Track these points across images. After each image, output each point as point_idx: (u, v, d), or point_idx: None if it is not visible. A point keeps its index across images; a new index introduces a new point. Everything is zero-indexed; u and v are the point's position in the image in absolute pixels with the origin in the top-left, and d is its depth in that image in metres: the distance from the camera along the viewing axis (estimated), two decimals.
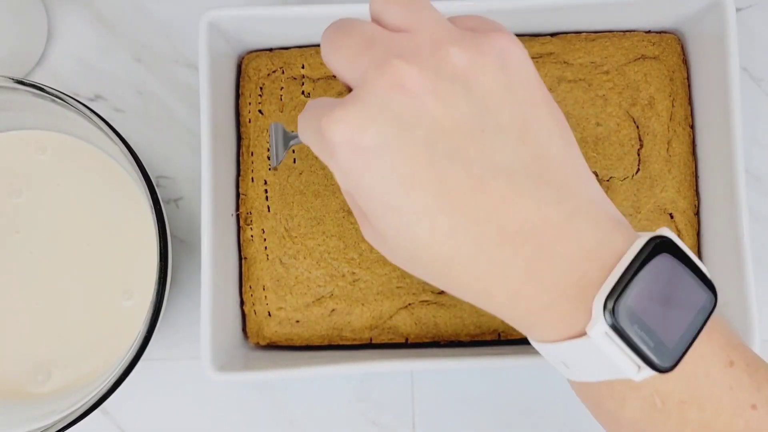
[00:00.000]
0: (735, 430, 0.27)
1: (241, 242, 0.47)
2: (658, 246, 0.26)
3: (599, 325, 0.25)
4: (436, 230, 0.26)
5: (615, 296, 0.25)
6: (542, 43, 0.46)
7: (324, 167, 0.46)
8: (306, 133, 0.29)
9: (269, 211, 0.46)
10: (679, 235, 0.46)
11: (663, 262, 0.26)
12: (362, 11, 0.43)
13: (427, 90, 0.25)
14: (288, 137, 0.38)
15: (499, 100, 0.26)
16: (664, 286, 0.26)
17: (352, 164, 0.26)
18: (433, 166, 0.26)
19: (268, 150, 0.43)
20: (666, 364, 0.26)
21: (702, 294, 0.27)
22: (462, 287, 0.28)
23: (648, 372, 0.26)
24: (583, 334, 0.26)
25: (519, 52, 0.27)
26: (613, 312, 0.25)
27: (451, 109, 0.26)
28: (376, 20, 0.28)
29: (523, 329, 0.29)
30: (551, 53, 0.46)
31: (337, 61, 0.28)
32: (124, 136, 0.41)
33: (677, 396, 0.27)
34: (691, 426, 0.28)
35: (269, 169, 0.44)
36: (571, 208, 0.27)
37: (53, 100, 0.41)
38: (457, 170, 0.26)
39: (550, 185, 0.26)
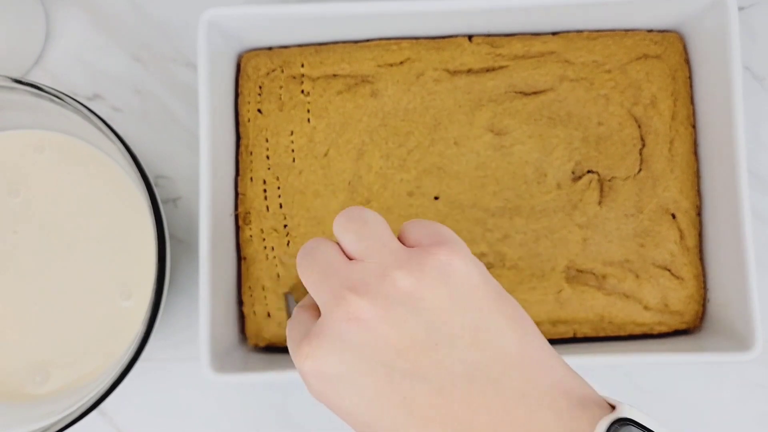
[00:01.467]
0: None
1: (240, 242, 0.47)
2: (621, 427, 0.27)
3: None
4: None
5: None
6: (544, 42, 0.46)
7: (324, 167, 0.46)
8: (290, 349, 0.31)
9: (268, 210, 0.46)
10: (681, 235, 0.45)
11: None
12: (361, 11, 0.43)
13: (378, 317, 0.28)
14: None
15: (446, 313, 0.29)
16: None
17: (321, 390, 0.29)
18: (395, 386, 0.28)
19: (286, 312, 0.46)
20: None
21: None
22: None
23: None
24: None
25: (459, 263, 0.29)
26: None
27: (403, 331, 0.28)
28: (338, 241, 0.32)
29: None
30: (553, 52, 0.46)
31: (306, 284, 0.31)
32: (122, 135, 0.41)
33: None
34: None
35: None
36: (533, 401, 0.28)
37: (51, 100, 0.41)
38: (418, 386, 0.28)
39: (509, 381, 0.28)
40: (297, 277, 0.46)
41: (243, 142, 0.47)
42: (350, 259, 0.31)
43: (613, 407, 0.29)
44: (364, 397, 0.28)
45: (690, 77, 0.47)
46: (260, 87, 0.47)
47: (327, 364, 0.29)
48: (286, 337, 0.46)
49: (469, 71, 0.46)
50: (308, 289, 0.31)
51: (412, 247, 0.31)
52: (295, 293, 0.46)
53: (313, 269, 0.31)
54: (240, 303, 0.47)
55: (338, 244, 0.32)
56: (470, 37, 0.47)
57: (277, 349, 0.47)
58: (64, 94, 0.41)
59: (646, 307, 0.45)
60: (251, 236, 0.46)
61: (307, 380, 0.30)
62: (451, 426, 0.28)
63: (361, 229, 0.31)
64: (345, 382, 0.29)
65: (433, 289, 0.29)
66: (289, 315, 0.46)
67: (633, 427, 0.27)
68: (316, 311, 0.32)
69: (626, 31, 0.47)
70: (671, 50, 0.46)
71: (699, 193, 0.46)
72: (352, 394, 0.29)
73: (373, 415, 0.28)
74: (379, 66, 0.46)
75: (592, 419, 0.28)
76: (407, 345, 0.28)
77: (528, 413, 0.28)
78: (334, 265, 0.30)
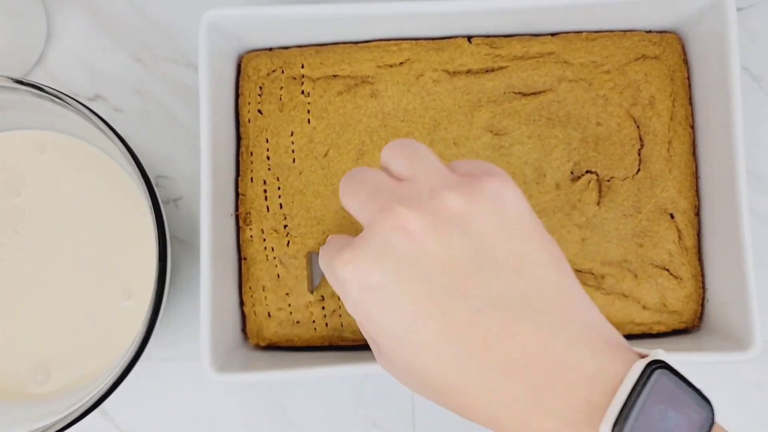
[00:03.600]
0: None
1: (241, 242, 0.47)
2: (656, 369, 0.28)
3: None
4: (442, 360, 0.28)
5: (621, 422, 0.27)
6: (543, 43, 0.46)
7: (324, 167, 0.46)
8: (323, 267, 0.32)
9: (269, 211, 0.46)
10: (679, 236, 0.46)
11: (662, 384, 0.27)
12: (361, 12, 0.43)
13: (426, 231, 0.28)
14: (318, 267, 0.42)
15: (493, 238, 0.29)
16: (665, 407, 0.27)
17: (360, 299, 0.29)
18: (435, 300, 0.28)
19: (306, 276, 0.46)
20: None
21: (701, 411, 0.28)
22: (470, 413, 0.30)
23: None
24: None
25: (511, 193, 0.30)
26: None
27: (449, 248, 0.28)
28: (384, 168, 0.32)
29: None
30: (552, 53, 0.46)
31: (352, 205, 0.31)
32: (123, 135, 0.41)
33: None
34: None
35: (309, 291, 0.46)
36: (569, 336, 0.28)
37: (52, 100, 0.41)
38: (458, 303, 0.28)
39: (547, 315, 0.28)
40: (297, 277, 0.46)
41: (243, 142, 0.47)
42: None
43: (643, 357, 0.29)
44: (401, 308, 0.28)
45: (688, 78, 0.47)
46: (261, 88, 0.47)
47: (369, 271, 0.28)
48: (286, 337, 0.46)
49: (469, 72, 0.46)
50: (352, 211, 0.31)
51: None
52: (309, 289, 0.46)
53: (360, 189, 0.31)
54: (241, 303, 0.47)
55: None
56: (469, 38, 0.47)
57: (277, 348, 0.47)
58: (64, 94, 0.41)
59: (644, 307, 0.45)
60: (251, 237, 0.46)
61: (345, 288, 0.29)
62: (483, 346, 0.28)
63: (412, 155, 0.31)
64: (384, 292, 0.28)
65: (483, 213, 0.29)
66: (311, 274, 0.45)
67: (667, 371, 0.28)
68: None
69: (625, 31, 0.47)
70: (670, 51, 0.47)
71: (697, 194, 0.47)
72: (389, 305, 0.28)
73: (407, 327, 0.28)
74: (378, 67, 0.46)
75: (626, 361, 0.28)
76: (451, 262, 0.28)
77: (564, 347, 0.28)
78: (383, 184, 0.30)
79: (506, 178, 0.30)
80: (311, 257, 0.44)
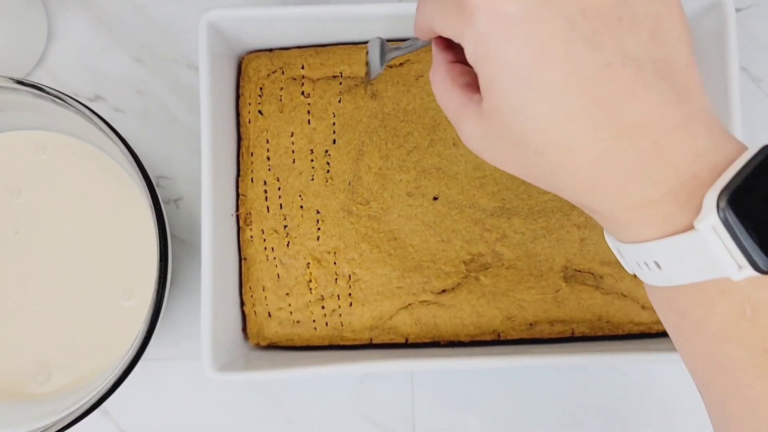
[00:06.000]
0: None
1: (241, 243, 0.47)
2: None
3: (709, 219, 0.26)
4: (559, 110, 0.27)
5: (727, 193, 0.26)
6: None
7: (323, 167, 0.46)
8: (433, 4, 0.29)
9: (269, 211, 0.47)
10: None
11: None
12: (363, 12, 0.43)
13: None
14: (387, 49, 0.38)
15: None
16: None
17: (489, 30, 0.26)
18: (569, 45, 0.26)
19: (366, 65, 0.42)
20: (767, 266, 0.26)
21: None
22: (567, 176, 0.28)
23: (749, 272, 0.26)
24: (687, 230, 0.27)
25: None
26: (724, 208, 0.26)
27: None
28: None
29: (618, 227, 0.29)
30: None
31: None
32: (124, 136, 0.41)
33: None
34: None
35: (365, 83, 0.43)
36: (689, 111, 0.27)
37: (53, 101, 0.41)
38: (591, 53, 0.26)
39: (672, 86, 0.27)
40: (297, 277, 0.46)
41: (244, 143, 0.47)
42: None
43: None
44: (532, 46, 0.26)
45: None
46: (261, 88, 0.47)
47: (508, 0, 0.26)
48: (286, 336, 0.46)
49: None
50: None
51: None
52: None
53: None
54: (241, 303, 0.47)
55: None
56: None
57: (278, 348, 0.47)
58: (65, 95, 0.41)
59: (643, 307, 0.46)
60: (252, 237, 0.47)
61: (473, 16, 0.27)
62: (604, 102, 0.27)
63: None
64: (519, 25, 0.26)
65: None
66: (371, 62, 0.40)
67: None
68: None
69: None
70: None
71: None
72: (521, 41, 0.26)
73: (532, 67, 0.26)
74: None
75: (740, 147, 0.28)
76: (593, 8, 0.26)
77: (682, 120, 0.27)
78: None
79: None
80: (373, 42, 0.39)
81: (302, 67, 0.47)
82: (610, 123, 0.27)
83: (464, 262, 0.46)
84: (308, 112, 0.47)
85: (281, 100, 0.47)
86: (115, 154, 0.47)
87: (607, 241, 0.31)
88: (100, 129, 0.41)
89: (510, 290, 0.46)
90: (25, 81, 0.41)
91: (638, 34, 0.27)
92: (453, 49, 0.32)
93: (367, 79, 0.41)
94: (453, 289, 0.46)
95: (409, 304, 0.46)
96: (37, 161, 0.48)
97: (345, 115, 0.46)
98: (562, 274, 0.46)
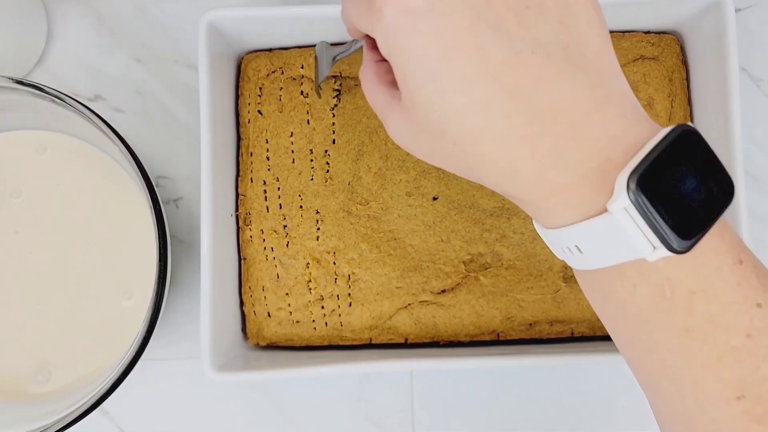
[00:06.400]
0: (738, 326, 0.28)
1: (241, 243, 0.47)
2: (682, 135, 0.27)
3: (620, 201, 0.26)
4: (472, 101, 0.27)
5: (637, 175, 0.26)
6: None
7: (323, 167, 0.46)
8: (349, 2, 0.30)
9: (268, 211, 0.47)
10: None
11: (685, 149, 0.27)
12: None
13: None
14: (332, 53, 0.39)
15: None
16: (685, 173, 0.27)
17: (398, 25, 0.27)
18: (476, 35, 0.26)
19: (315, 69, 0.43)
20: (681, 246, 0.26)
21: (720, 187, 0.27)
22: (486, 165, 0.28)
23: (663, 252, 0.26)
24: (602, 213, 0.27)
25: None
26: (634, 189, 0.26)
27: None
28: None
29: (540, 212, 0.29)
30: None
31: None
32: (123, 136, 0.41)
33: (686, 286, 0.28)
34: (696, 318, 0.28)
35: (314, 89, 0.44)
36: (603, 95, 0.28)
37: (53, 101, 0.41)
38: (499, 41, 0.26)
39: (584, 71, 0.27)
40: (296, 278, 0.46)
41: (243, 143, 0.47)
42: None
43: None
44: (440, 38, 0.27)
45: (687, 79, 0.47)
46: (260, 88, 0.47)
47: None
48: (286, 336, 0.46)
49: None
50: None
51: None
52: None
53: None
54: (241, 303, 0.47)
55: None
56: None
57: (277, 348, 0.47)
58: (65, 95, 0.41)
59: None
60: (251, 237, 0.47)
61: (380, 12, 0.27)
62: (515, 90, 0.27)
63: None
64: (426, 17, 0.27)
65: None
66: (318, 65, 0.42)
67: (695, 137, 0.27)
68: None
69: (623, 32, 0.47)
70: (668, 52, 0.47)
71: None
72: (429, 34, 0.27)
73: (442, 59, 0.27)
74: None
75: (653, 129, 0.28)
76: None
77: (595, 104, 0.27)
78: None
79: None
80: (319, 46, 0.41)
81: (302, 67, 0.47)
82: (522, 110, 0.27)
83: (464, 262, 0.46)
84: (308, 112, 0.47)
85: (281, 100, 0.47)
86: (114, 154, 0.47)
87: (536, 228, 0.31)
88: (100, 129, 0.41)
89: (509, 290, 0.46)
90: (25, 81, 0.41)
91: (546, 21, 0.27)
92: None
93: (316, 83, 0.43)
94: (452, 289, 0.46)
95: (409, 304, 0.46)
96: (37, 161, 0.48)
97: (344, 115, 0.47)
98: (561, 274, 0.46)
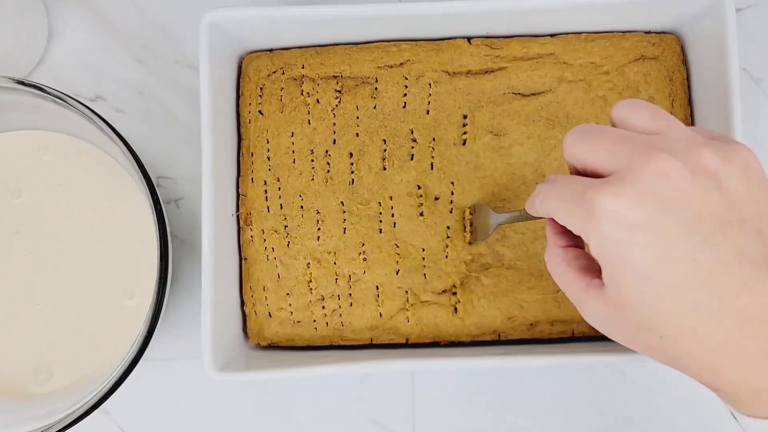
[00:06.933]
0: None
1: (242, 243, 0.47)
2: None
3: None
4: (684, 302, 0.30)
5: None
6: (542, 44, 0.46)
7: (324, 168, 0.46)
8: (558, 201, 0.32)
9: (269, 211, 0.47)
10: None
11: None
12: (363, 13, 0.43)
13: (687, 181, 0.30)
14: (496, 220, 0.43)
15: (741, 198, 0.30)
16: None
17: (615, 234, 0.30)
18: (689, 246, 0.29)
19: (471, 225, 0.46)
20: None
21: None
22: (691, 360, 0.31)
23: None
24: None
25: (757, 162, 0.31)
26: None
27: (706, 200, 0.30)
28: (620, 125, 0.33)
29: (741, 404, 0.32)
30: (551, 53, 0.46)
31: (594, 152, 0.32)
32: (124, 136, 0.41)
33: None
34: None
35: (468, 243, 0.46)
36: None
37: (54, 101, 0.41)
38: (709, 251, 0.29)
39: None
40: (297, 278, 0.46)
41: (244, 143, 0.47)
42: None
43: None
44: (655, 248, 0.29)
45: (687, 79, 0.47)
46: (261, 88, 0.47)
47: (631, 208, 0.29)
48: (287, 336, 0.46)
49: (468, 73, 0.47)
50: (592, 157, 0.32)
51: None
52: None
53: (605, 137, 0.31)
54: (241, 303, 0.47)
55: None
56: (469, 39, 0.47)
57: (278, 348, 0.47)
58: (66, 95, 0.41)
59: None
60: (252, 237, 0.47)
61: (598, 222, 0.30)
62: (726, 297, 0.29)
63: (655, 111, 0.32)
64: (642, 231, 0.29)
65: (734, 175, 0.30)
66: (478, 226, 0.45)
67: None
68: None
69: (624, 32, 0.47)
70: (669, 52, 0.47)
71: None
72: (645, 245, 0.29)
73: (656, 267, 0.29)
74: (378, 67, 0.47)
75: None
76: (706, 214, 0.29)
77: None
78: (632, 135, 0.31)
79: (750, 149, 0.32)
80: (478, 207, 0.45)
81: (302, 67, 0.47)
82: (731, 314, 0.29)
83: (464, 262, 0.46)
84: (308, 112, 0.47)
85: (281, 100, 0.47)
86: (115, 154, 0.47)
87: (728, 408, 0.34)
88: (101, 129, 0.41)
89: (510, 290, 0.46)
90: (25, 81, 0.41)
91: (747, 233, 0.30)
92: (565, 233, 0.35)
93: (473, 239, 0.45)
94: (453, 289, 0.46)
95: (410, 305, 0.46)
96: (38, 161, 0.48)
97: (345, 115, 0.47)
98: None
